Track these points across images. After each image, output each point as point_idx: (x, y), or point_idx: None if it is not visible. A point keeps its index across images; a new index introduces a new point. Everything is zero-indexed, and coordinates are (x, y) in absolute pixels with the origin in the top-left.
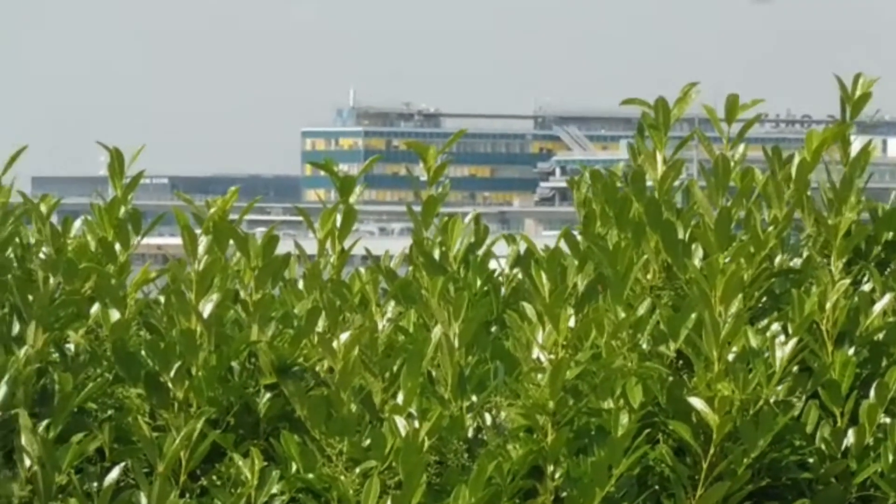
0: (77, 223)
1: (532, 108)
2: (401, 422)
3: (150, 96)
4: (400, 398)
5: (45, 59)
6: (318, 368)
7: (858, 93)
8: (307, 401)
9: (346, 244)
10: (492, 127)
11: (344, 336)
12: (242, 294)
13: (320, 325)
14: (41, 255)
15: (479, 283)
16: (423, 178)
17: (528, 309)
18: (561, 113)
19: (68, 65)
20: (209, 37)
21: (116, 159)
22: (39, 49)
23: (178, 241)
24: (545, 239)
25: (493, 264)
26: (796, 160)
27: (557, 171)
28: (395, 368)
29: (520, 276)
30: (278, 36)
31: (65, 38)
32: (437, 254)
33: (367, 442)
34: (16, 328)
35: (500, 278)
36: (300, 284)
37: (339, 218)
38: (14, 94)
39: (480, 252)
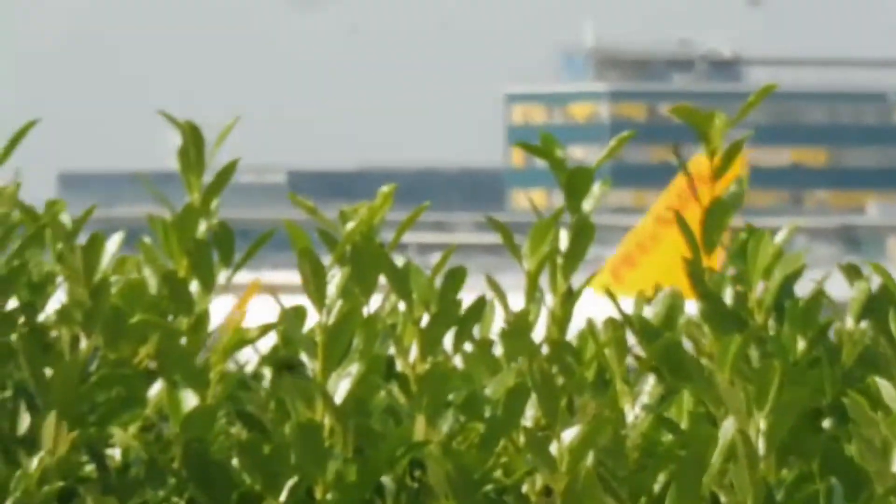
0: (116, 244)
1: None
2: None
3: (258, 45)
4: None
5: None
6: (526, 489)
7: None
8: None
9: (576, 282)
10: (828, 80)
11: (569, 434)
12: (400, 364)
13: (528, 415)
14: (65, 301)
15: (801, 345)
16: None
17: (887, 389)
18: None
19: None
20: None
21: (192, 142)
22: None
23: (294, 275)
24: None
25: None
26: None
27: None
28: (656, 488)
29: (871, 333)
30: None
31: None
32: (728, 295)
33: None
34: (24, 422)
35: (839, 336)
36: (496, 348)
37: (564, 238)
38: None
39: (803, 292)
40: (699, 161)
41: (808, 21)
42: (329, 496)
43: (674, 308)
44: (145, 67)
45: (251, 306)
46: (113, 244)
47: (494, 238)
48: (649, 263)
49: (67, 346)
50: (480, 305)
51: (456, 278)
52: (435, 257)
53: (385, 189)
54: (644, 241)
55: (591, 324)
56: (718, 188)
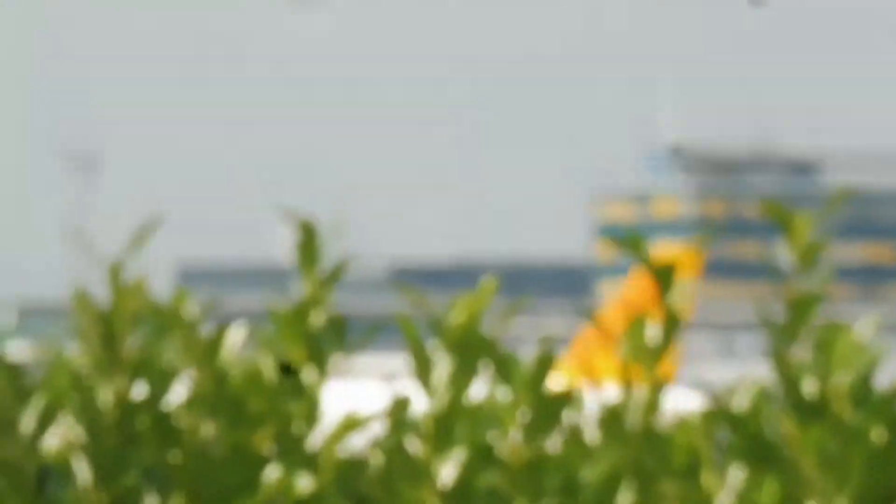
0: (242, 336)
1: None
2: None
3: (354, 148)
4: None
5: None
6: None
7: None
8: None
9: (664, 370)
10: None
11: None
12: (501, 449)
13: (623, 501)
14: (187, 388)
15: (880, 432)
16: (788, 261)
17: None
18: None
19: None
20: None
21: (307, 239)
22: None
23: (401, 361)
24: None
25: None
26: None
27: None
28: None
29: None
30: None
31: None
32: (809, 384)
33: None
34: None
35: None
36: (590, 435)
37: (652, 328)
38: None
39: (881, 381)
40: (664, 254)
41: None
42: None
43: (759, 399)
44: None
45: (360, 390)
46: (236, 334)
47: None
48: (613, 352)
49: (190, 431)
50: (574, 394)
51: (547, 365)
52: (524, 345)
53: (487, 282)
54: (608, 331)
55: (681, 413)
56: (678, 285)
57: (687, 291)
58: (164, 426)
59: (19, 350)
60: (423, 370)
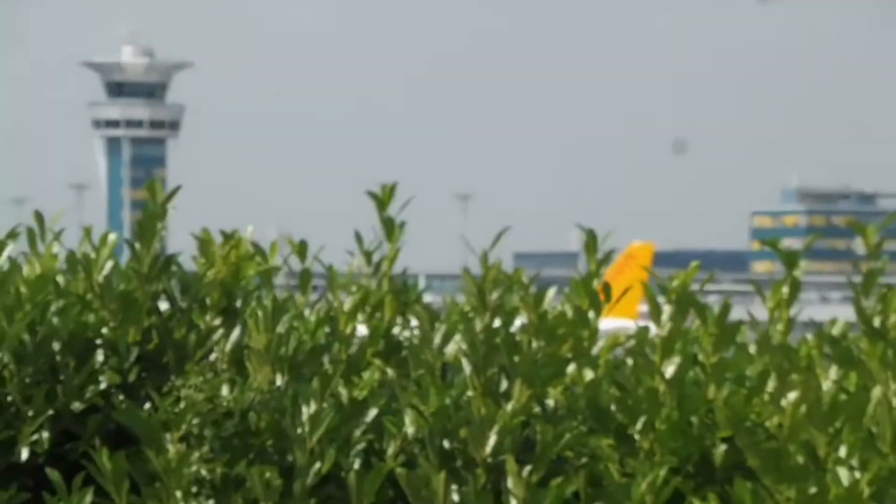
0: (553, 293)
1: None
2: (843, 472)
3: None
4: (843, 451)
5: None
6: (767, 424)
7: None
8: (759, 452)
9: (792, 313)
10: None
11: (791, 395)
12: (701, 357)
13: (770, 385)
14: (523, 321)
15: None
16: (863, 252)
17: None
18: None
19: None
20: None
21: (591, 239)
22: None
23: (643, 309)
24: None
25: None
26: None
27: None
28: (838, 425)
29: None
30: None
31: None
32: (876, 321)
33: (813, 490)
34: (503, 385)
35: None
36: (751, 349)
37: (785, 289)
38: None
39: None
40: (635, 247)
41: None
42: (663, 427)
43: (846, 329)
44: None
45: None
46: (551, 293)
47: (746, 289)
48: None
49: (526, 345)
50: (740, 325)
51: (727, 310)
52: (715, 297)
53: (693, 263)
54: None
55: (804, 337)
56: (640, 265)
57: (643, 271)
58: (512, 342)
59: (427, 301)
60: (655, 313)
